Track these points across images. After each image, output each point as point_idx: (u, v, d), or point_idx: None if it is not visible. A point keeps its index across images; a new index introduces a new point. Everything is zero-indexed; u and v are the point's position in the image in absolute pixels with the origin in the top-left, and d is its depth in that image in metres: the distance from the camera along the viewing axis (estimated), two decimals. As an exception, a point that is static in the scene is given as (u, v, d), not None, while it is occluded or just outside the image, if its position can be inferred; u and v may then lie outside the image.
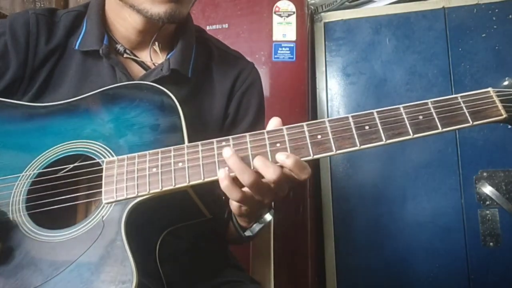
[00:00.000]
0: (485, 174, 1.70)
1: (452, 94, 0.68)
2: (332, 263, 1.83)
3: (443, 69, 1.80)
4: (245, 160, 0.67)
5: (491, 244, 1.67)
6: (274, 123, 0.70)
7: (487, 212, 1.68)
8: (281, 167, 0.66)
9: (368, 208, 1.84)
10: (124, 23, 0.91)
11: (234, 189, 0.67)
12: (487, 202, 1.69)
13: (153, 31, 0.91)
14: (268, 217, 0.81)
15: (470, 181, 1.72)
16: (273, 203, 0.84)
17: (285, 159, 0.65)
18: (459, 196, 1.72)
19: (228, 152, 0.66)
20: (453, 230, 1.71)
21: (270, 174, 0.65)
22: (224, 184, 0.66)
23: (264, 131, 0.69)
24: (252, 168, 0.66)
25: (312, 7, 2.03)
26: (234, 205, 0.73)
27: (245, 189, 0.68)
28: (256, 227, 0.82)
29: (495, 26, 1.76)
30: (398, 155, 1.81)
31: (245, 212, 0.74)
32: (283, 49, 1.81)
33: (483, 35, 1.78)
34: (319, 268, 1.83)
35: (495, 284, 1.66)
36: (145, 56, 0.93)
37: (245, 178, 0.65)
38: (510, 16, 1.75)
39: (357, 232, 1.84)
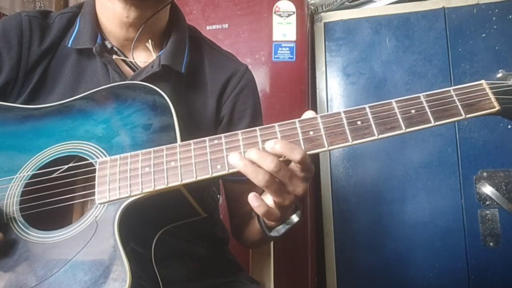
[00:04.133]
0: (485, 174, 1.70)
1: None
2: (332, 263, 1.83)
3: (443, 69, 1.80)
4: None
5: (491, 244, 1.66)
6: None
7: (487, 212, 1.68)
8: (278, 156, 0.65)
9: (368, 208, 1.83)
10: (109, 14, 0.90)
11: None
12: (487, 202, 1.68)
13: (137, 24, 0.89)
14: (295, 218, 0.79)
15: (470, 181, 1.72)
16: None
17: (273, 145, 0.65)
18: (459, 196, 1.72)
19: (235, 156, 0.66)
20: (453, 230, 1.71)
21: (267, 163, 0.64)
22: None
23: (257, 128, 0.69)
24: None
25: (312, 7, 2.03)
26: None
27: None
28: (282, 228, 0.79)
29: (495, 26, 1.76)
30: (398, 155, 1.80)
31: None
32: (283, 49, 1.81)
33: (483, 35, 1.77)
34: (319, 268, 1.83)
35: (495, 284, 1.65)
36: (135, 55, 0.92)
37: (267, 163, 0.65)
38: (510, 16, 1.75)
39: (357, 232, 1.83)
